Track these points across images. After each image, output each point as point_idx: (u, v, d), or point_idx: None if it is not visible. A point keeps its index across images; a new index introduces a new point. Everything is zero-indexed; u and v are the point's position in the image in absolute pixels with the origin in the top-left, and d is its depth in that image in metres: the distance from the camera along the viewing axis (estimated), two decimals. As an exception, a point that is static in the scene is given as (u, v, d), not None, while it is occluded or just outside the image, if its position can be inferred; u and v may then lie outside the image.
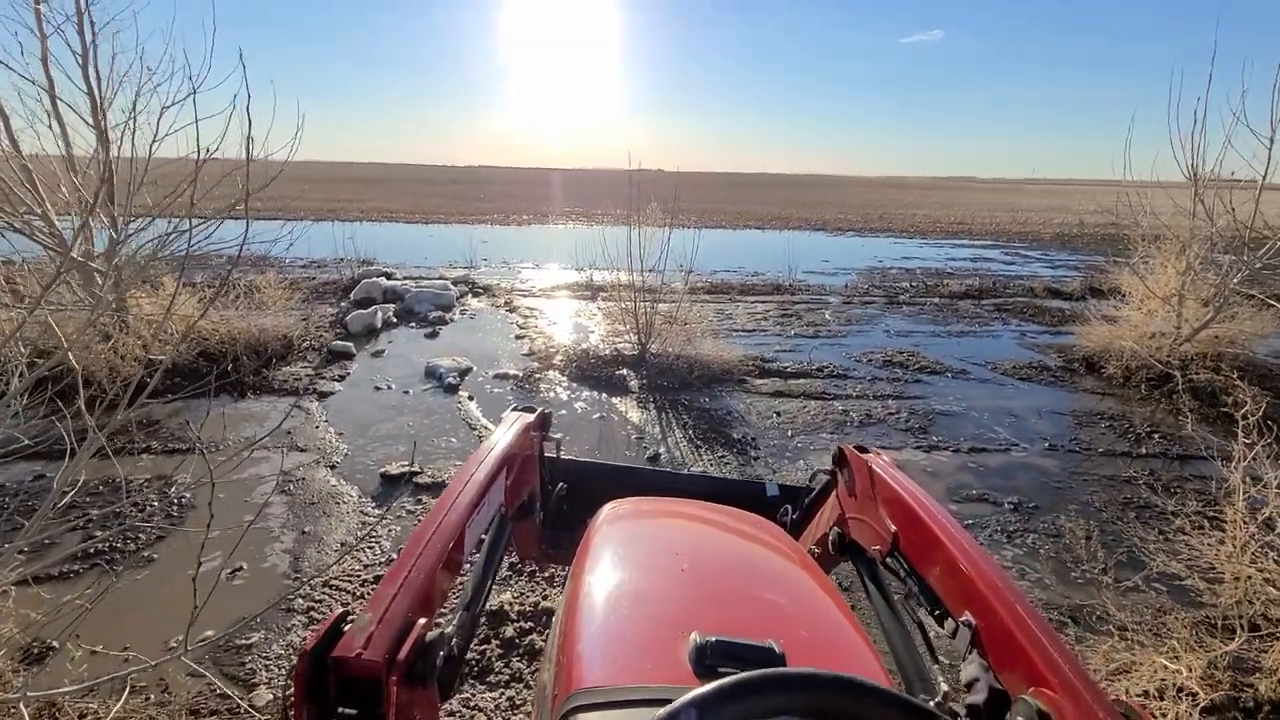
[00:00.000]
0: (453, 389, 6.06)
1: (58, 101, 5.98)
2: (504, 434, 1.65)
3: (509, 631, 2.82)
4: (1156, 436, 5.26)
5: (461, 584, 1.38)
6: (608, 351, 7.12)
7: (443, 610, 1.11)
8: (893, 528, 1.35)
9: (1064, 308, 10.45)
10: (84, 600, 2.91)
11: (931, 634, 1.28)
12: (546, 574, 3.27)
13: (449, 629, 1.02)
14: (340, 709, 0.79)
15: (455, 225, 22.30)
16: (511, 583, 3.21)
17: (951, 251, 18.71)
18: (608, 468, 2.41)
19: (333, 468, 4.42)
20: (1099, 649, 2.56)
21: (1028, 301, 10.91)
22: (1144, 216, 7.42)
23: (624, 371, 6.57)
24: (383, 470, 4.34)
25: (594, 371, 6.54)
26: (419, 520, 3.65)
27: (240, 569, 3.30)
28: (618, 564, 1.20)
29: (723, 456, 4.76)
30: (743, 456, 4.77)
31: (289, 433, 4.94)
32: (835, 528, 1.66)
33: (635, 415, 5.57)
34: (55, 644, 2.75)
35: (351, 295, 9.65)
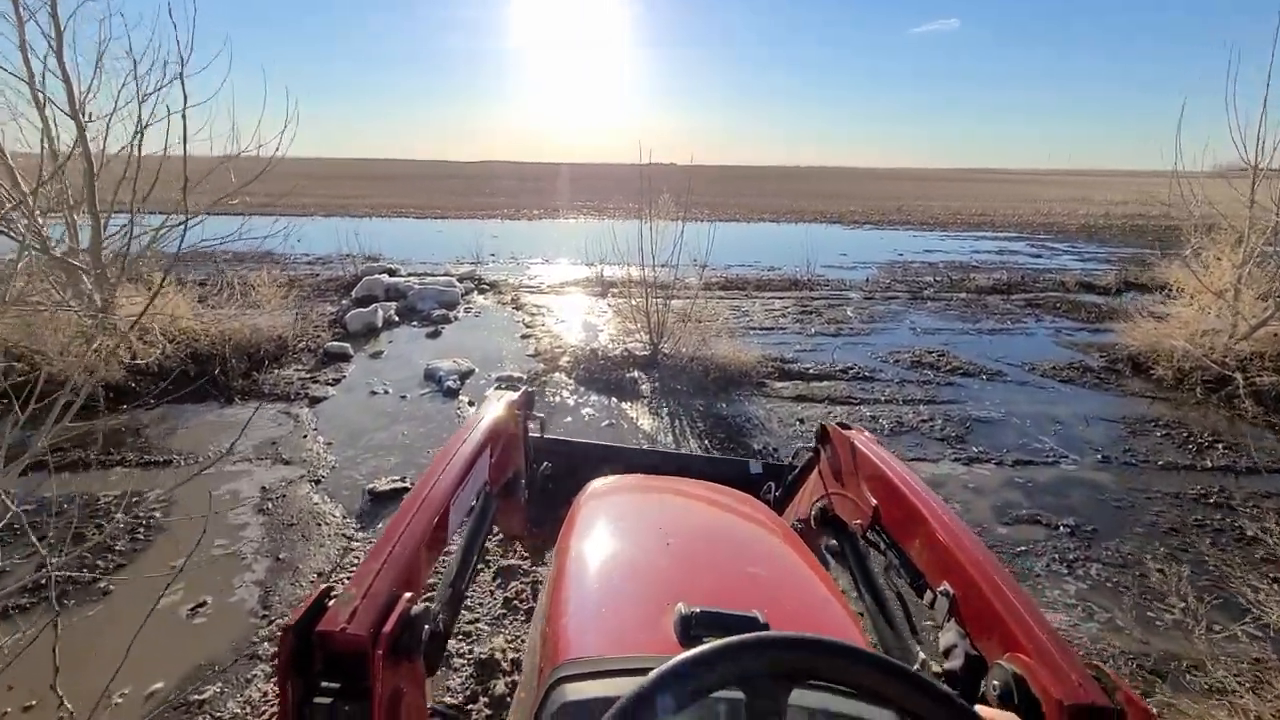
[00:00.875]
0: (452, 393, 5.69)
1: (39, 93, 5.66)
2: (488, 411, 1.63)
3: (499, 687, 2.44)
4: (1221, 447, 4.77)
5: (446, 561, 1.38)
6: (618, 352, 6.72)
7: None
8: (874, 502, 1.36)
9: (1099, 303, 9.90)
10: (12, 647, 2.58)
11: (911, 605, 1.30)
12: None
13: (434, 606, 1.00)
14: (324, 684, 0.78)
15: (465, 220, 21.97)
16: (506, 623, 2.83)
17: (974, 244, 18.09)
18: (591, 446, 2.40)
19: (317, 483, 4.07)
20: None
21: (1060, 296, 10.35)
22: (1196, 205, 6.88)
23: (635, 374, 6.17)
24: (370, 486, 3.97)
25: (603, 374, 6.14)
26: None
27: (203, 604, 2.94)
28: (603, 539, 1.19)
29: (742, 470, 4.34)
30: (764, 470, 4.34)
31: (274, 443, 4.60)
32: (818, 503, 1.66)
33: (647, 422, 5.17)
34: (-17, 699, 2.40)
35: (353, 293, 9.32)
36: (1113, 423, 5.26)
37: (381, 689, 0.78)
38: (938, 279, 11.96)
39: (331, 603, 0.84)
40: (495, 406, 1.69)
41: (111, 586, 3.05)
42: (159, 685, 2.47)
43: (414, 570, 0.98)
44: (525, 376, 6.11)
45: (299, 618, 0.79)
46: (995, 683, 0.87)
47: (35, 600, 2.95)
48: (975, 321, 8.74)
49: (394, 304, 8.60)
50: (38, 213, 5.76)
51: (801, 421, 5.14)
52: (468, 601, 2.91)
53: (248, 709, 2.38)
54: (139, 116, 5.40)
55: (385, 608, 0.85)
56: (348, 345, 6.81)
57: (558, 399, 5.65)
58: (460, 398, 5.60)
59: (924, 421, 5.17)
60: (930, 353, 7.02)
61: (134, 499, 3.81)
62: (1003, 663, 0.87)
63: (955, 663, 0.99)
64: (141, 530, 3.51)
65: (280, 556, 3.31)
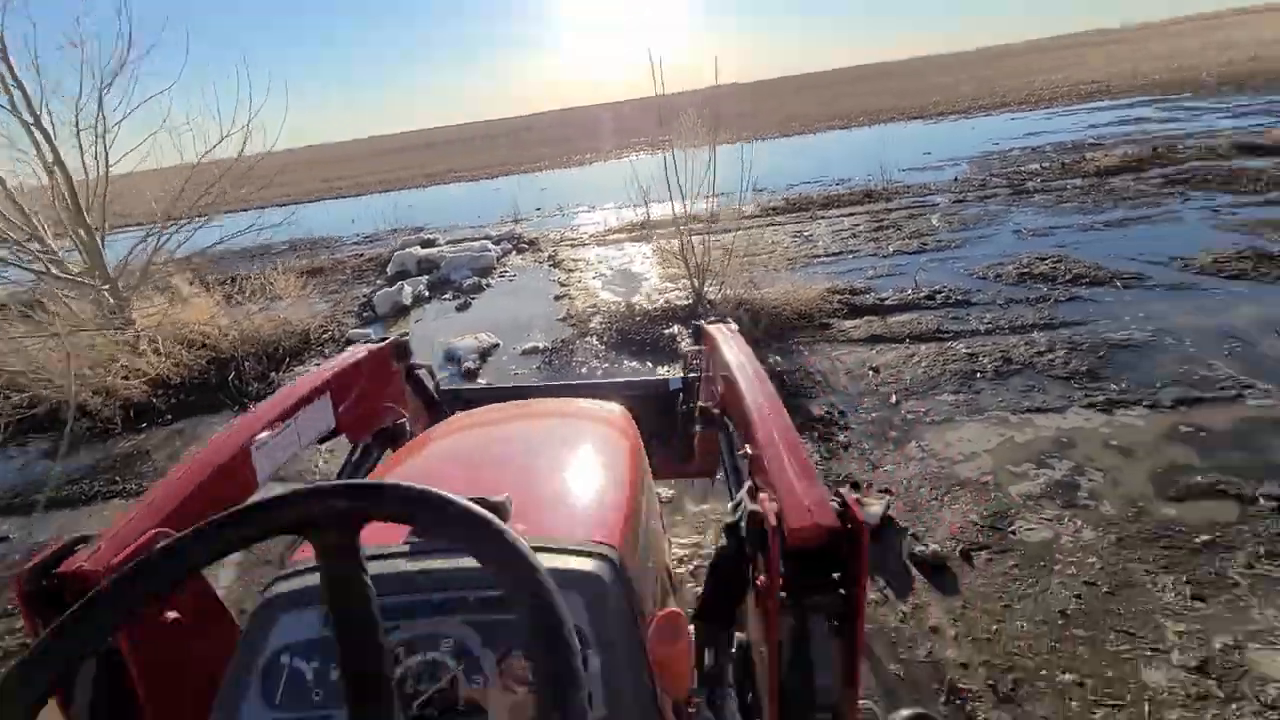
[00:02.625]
0: (471, 375, 5.09)
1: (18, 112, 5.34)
2: (335, 360, 1.63)
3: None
4: None
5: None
6: (658, 304, 5.88)
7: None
8: (721, 390, 1.49)
9: (1265, 167, 7.84)
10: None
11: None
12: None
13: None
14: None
15: (516, 176, 21.31)
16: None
17: (1088, 117, 15.36)
18: (503, 389, 2.35)
19: (306, 504, 3.59)
20: None
21: (1211, 165, 8.32)
22: None
23: (674, 330, 5.31)
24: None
25: (638, 333, 5.33)
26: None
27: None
28: (411, 460, 1.20)
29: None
30: (828, 442, 3.44)
31: (274, 456, 4.18)
32: (706, 402, 1.71)
33: (686, 389, 4.34)
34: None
35: (387, 270, 8.92)
36: (1316, 328, 3.88)
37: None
38: (1045, 166, 10.05)
39: (80, 547, 0.87)
40: (346, 355, 1.64)
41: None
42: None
43: (184, 510, 0.98)
44: (551, 346, 5.40)
45: (39, 562, 0.83)
46: (742, 523, 0.91)
47: None
48: (1099, 212, 7.11)
49: (425, 278, 8.11)
50: (45, 234, 5.56)
51: (875, 371, 4.14)
52: None
53: None
54: (100, 113, 4.98)
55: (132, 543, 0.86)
56: (370, 331, 6.36)
57: (586, 369, 4.92)
58: (479, 380, 5.00)
59: (1039, 354, 4.01)
60: (1042, 260, 5.66)
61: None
62: (755, 506, 0.88)
63: (735, 517, 0.99)
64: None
65: (243, 609, 2.84)
